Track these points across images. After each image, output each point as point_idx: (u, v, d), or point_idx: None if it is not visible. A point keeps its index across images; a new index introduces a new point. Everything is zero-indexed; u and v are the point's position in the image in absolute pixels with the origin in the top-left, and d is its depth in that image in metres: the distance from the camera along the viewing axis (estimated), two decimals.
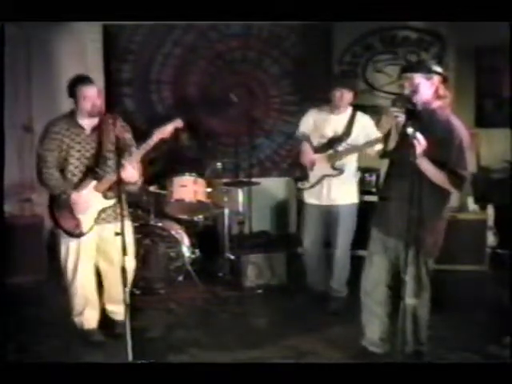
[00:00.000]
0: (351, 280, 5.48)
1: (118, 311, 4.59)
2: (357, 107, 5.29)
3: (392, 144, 3.96)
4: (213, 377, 3.44)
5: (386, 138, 4.03)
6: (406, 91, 3.90)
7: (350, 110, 5.29)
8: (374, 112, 5.42)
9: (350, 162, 5.30)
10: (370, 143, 5.04)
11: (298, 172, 5.48)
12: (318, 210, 5.37)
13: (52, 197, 4.49)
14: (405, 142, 3.75)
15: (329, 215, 5.35)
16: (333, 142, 5.25)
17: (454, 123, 3.85)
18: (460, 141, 3.79)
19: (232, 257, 6.16)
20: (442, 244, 4.05)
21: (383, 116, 4.02)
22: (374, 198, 6.40)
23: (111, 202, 4.43)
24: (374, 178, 6.69)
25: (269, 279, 5.90)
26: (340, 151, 5.20)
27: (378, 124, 4.28)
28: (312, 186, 5.34)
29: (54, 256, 5.85)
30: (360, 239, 6.07)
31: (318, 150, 5.31)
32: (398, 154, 3.92)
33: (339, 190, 5.27)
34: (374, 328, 4.26)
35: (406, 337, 3.92)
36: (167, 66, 6.94)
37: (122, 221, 3.96)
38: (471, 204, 6.54)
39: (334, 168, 5.23)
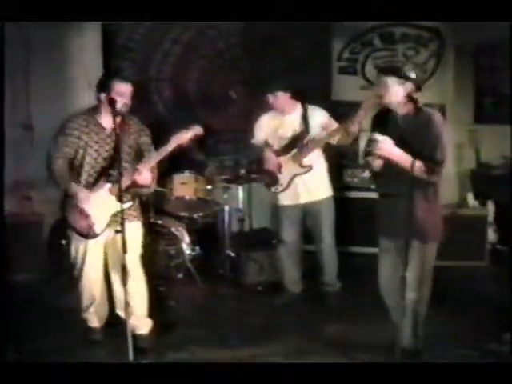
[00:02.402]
0: (347, 277, 5.52)
1: (140, 325, 4.54)
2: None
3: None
4: (213, 376, 3.45)
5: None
6: (378, 92, 3.99)
7: (299, 106, 5.32)
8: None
9: (317, 157, 5.32)
10: (330, 134, 5.09)
11: (266, 178, 5.47)
12: (296, 209, 5.40)
13: (64, 198, 4.41)
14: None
15: (309, 212, 5.40)
16: (293, 141, 5.30)
17: (427, 115, 3.93)
18: (436, 128, 3.87)
19: (232, 254, 6.17)
20: (441, 230, 4.07)
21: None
22: (369, 195, 6.43)
23: (126, 205, 4.26)
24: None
25: (269, 276, 5.90)
26: (304, 149, 5.22)
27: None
28: (285, 189, 5.34)
29: (54, 254, 5.93)
30: (353, 236, 6.11)
31: (281, 152, 5.35)
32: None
33: (314, 186, 5.31)
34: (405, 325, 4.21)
35: (403, 333, 3.96)
36: (166, 63, 6.94)
37: (122, 220, 3.98)
38: (471, 200, 6.56)
39: (302, 166, 5.25)
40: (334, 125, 5.18)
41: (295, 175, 5.28)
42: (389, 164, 3.95)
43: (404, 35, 6.95)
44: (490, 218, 6.40)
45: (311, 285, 5.58)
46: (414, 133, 3.86)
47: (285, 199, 5.40)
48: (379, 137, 3.81)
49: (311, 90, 6.55)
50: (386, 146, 3.81)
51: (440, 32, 6.85)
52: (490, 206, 6.42)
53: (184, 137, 4.26)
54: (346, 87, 7.04)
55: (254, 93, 6.78)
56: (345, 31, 7.03)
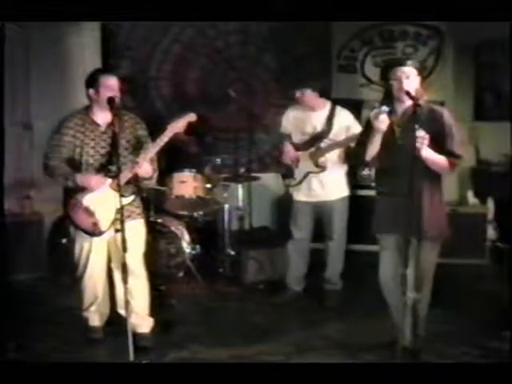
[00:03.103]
0: (348, 275, 5.52)
1: (141, 324, 4.52)
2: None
3: (374, 151, 4.01)
4: (213, 376, 3.45)
5: (362, 148, 4.07)
6: (398, 86, 3.93)
7: (328, 105, 5.33)
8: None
9: (336, 158, 5.32)
10: (351, 138, 5.06)
11: (283, 170, 5.52)
12: (309, 206, 5.41)
13: (66, 196, 4.40)
14: (395, 139, 3.91)
15: (321, 211, 5.40)
16: (314, 139, 5.31)
17: (438, 110, 3.99)
18: (449, 124, 3.93)
19: (232, 252, 6.18)
20: (446, 229, 4.08)
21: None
22: (371, 193, 6.42)
23: (128, 199, 4.29)
24: (372, 172, 6.68)
25: (269, 275, 5.91)
26: (322, 148, 5.24)
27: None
28: (298, 183, 5.38)
29: (55, 253, 5.93)
30: (355, 234, 6.11)
31: (300, 147, 5.37)
32: (389, 152, 3.97)
33: (329, 186, 5.31)
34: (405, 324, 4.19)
35: (404, 332, 3.95)
36: (166, 62, 6.94)
37: (122, 218, 3.95)
38: (471, 198, 6.56)
39: (316, 165, 5.27)
40: (357, 128, 5.11)
41: (308, 173, 5.30)
42: (391, 161, 3.96)
43: (403, 33, 6.95)
44: (490, 215, 6.39)
45: (313, 283, 5.58)
46: (430, 130, 3.78)
47: (299, 194, 5.42)
48: (421, 132, 3.73)
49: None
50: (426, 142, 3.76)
51: (439, 29, 6.85)
52: (490, 204, 6.42)
53: (179, 125, 4.27)
54: (346, 85, 7.04)
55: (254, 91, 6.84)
56: (344, 29, 7.03)
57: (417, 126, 3.69)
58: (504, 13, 3.88)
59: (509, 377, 3.27)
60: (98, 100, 4.29)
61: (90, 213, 4.33)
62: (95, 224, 4.34)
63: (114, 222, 4.33)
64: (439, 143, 3.86)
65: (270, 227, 6.94)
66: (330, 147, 5.22)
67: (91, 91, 4.31)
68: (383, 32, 7.01)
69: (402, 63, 3.98)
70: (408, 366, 3.65)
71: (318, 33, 7.01)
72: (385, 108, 3.88)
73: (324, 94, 5.37)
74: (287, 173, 5.47)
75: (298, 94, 5.27)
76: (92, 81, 4.32)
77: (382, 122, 3.88)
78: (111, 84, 4.29)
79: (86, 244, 4.43)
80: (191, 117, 4.32)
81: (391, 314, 4.24)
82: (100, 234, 4.37)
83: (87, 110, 4.41)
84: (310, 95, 5.25)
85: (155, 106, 6.97)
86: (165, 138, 4.25)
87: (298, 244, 5.49)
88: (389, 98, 4.02)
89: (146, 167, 4.29)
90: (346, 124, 5.25)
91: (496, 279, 5.78)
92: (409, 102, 3.87)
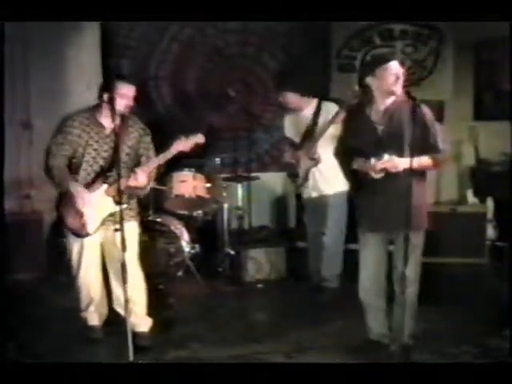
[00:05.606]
0: (344, 272, 5.52)
1: (140, 323, 4.52)
2: None
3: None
4: (213, 376, 3.45)
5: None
6: (390, 83, 3.90)
7: (314, 102, 5.43)
8: None
9: (329, 149, 5.33)
10: (330, 121, 5.12)
11: (287, 170, 5.71)
12: (311, 202, 5.55)
13: (59, 196, 4.40)
14: (377, 137, 3.93)
15: (319, 206, 5.46)
16: (306, 136, 5.41)
17: (418, 108, 3.89)
18: (430, 120, 3.92)
19: (232, 252, 6.17)
20: (425, 221, 4.05)
21: None
22: None
23: (122, 206, 4.16)
24: None
25: (268, 274, 5.93)
26: (311, 141, 5.31)
27: None
28: (303, 181, 5.48)
29: (54, 253, 5.93)
30: (351, 233, 6.12)
31: (299, 147, 5.46)
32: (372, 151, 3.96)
33: (324, 181, 5.40)
34: (381, 321, 4.22)
35: (400, 327, 3.95)
36: (165, 61, 6.93)
37: (121, 217, 3.95)
38: (471, 197, 6.56)
39: (310, 159, 5.34)
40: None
41: (307, 169, 5.39)
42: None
43: (403, 32, 6.95)
44: (490, 214, 6.40)
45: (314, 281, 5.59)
46: (405, 126, 3.83)
47: (304, 192, 5.57)
48: (387, 157, 3.78)
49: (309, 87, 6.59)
50: (399, 163, 3.80)
51: (439, 29, 6.85)
52: (490, 203, 6.42)
53: (186, 144, 4.27)
54: (345, 85, 7.04)
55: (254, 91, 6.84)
56: (344, 29, 7.03)
57: (387, 157, 3.78)
58: (504, 13, 3.88)
59: (509, 376, 3.27)
60: (107, 105, 4.25)
61: (79, 214, 4.33)
62: (83, 225, 4.35)
63: (103, 225, 4.36)
64: (421, 138, 3.81)
65: (269, 226, 6.95)
66: (316, 137, 5.27)
67: (105, 96, 4.27)
68: (383, 31, 7.01)
69: (387, 60, 3.96)
70: (407, 365, 3.65)
71: (317, 32, 7.01)
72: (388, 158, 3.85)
73: (308, 92, 5.45)
74: (293, 174, 5.57)
75: (280, 97, 5.44)
76: (108, 86, 4.28)
77: (378, 171, 3.87)
78: (126, 92, 4.27)
79: (77, 244, 4.44)
80: (199, 138, 4.30)
81: (365, 314, 4.25)
82: (87, 235, 4.37)
83: (94, 110, 4.39)
84: (291, 97, 5.39)
85: (154, 105, 6.96)
86: (168, 155, 4.27)
87: (310, 239, 5.64)
88: (370, 94, 4.00)
89: (141, 178, 4.28)
90: (331, 114, 5.22)
91: (496, 278, 5.78)
92: (391, 100, 3.91)
